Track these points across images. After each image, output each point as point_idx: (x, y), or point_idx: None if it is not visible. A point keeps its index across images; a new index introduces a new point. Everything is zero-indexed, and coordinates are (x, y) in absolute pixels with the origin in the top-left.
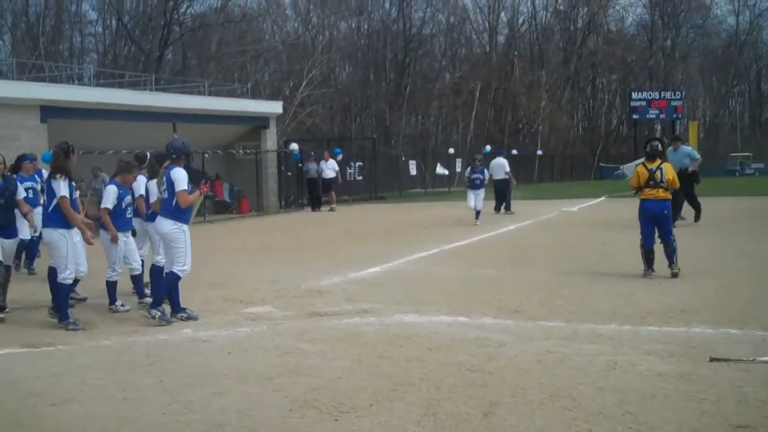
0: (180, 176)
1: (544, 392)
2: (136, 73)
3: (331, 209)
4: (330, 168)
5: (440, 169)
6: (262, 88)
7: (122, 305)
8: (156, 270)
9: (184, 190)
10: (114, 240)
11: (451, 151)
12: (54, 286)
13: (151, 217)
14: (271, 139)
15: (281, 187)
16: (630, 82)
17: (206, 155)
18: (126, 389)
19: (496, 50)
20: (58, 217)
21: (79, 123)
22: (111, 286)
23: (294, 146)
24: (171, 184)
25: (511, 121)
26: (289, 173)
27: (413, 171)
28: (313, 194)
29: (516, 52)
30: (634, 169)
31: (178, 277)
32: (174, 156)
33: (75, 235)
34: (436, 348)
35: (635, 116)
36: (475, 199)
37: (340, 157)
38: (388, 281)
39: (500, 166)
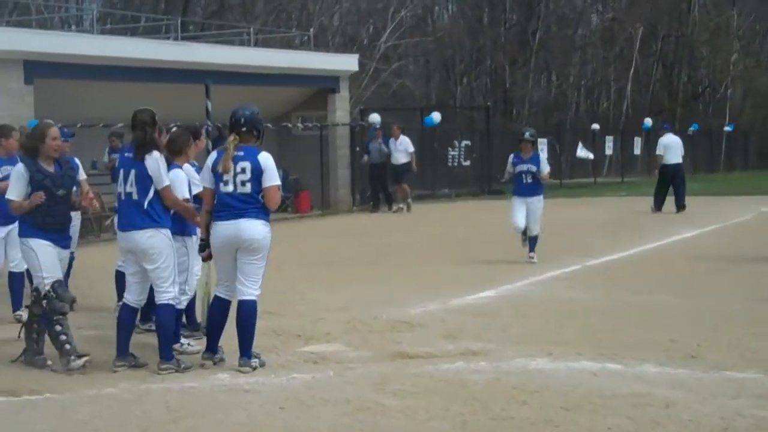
0: (272, 165)
1: None
2: (156, 16)
3: (401, 208)
4: (402, 149)
5: (582, 152)
6: (329, 36)
7: (189, 344)
8: (220, 303)
9: (278, 187)
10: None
11: (597, 126)
12: (163, 316)
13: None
14: (341, 108)
15: (355, 176)
16: None
17: None
18: None
19: None
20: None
21: (76, 85)
22: (173, 316)
23: (375, 118)
24: (258, 173)
25: (687, 83)
26: (366, 156)
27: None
28: (378, 187)
29: None
30: None
31: (256, 304)
32: (244, 129)
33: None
34: (576, 407)
35: None
36: (527, 211)
37: (437, 118)
38: (506, 310)
39: (677, 146)
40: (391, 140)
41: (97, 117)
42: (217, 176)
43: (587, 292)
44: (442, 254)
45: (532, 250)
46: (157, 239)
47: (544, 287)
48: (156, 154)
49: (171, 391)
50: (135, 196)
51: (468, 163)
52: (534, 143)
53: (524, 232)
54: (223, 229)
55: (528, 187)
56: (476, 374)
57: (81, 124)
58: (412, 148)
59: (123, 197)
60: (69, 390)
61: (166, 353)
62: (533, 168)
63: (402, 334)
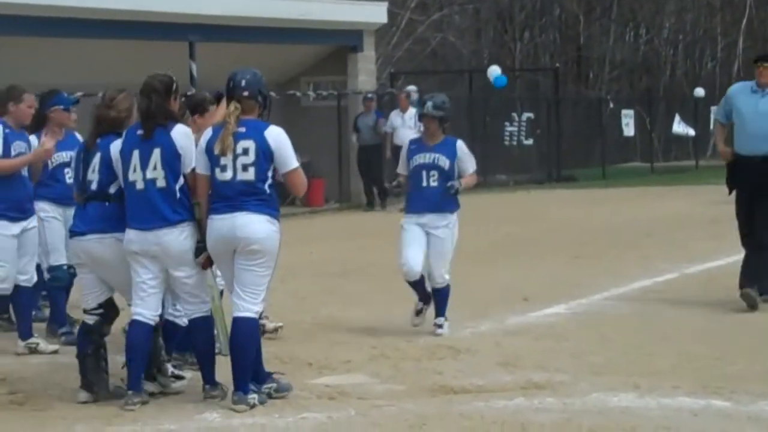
0: (286, 142)
1: None
2: None
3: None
4: (410, 126)
5: (680, 126)
6: None
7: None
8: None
9: (299, 169)
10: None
11: (701, 92)
12: (203, 334)
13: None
14: (365, 72)
15: (383, 160)
16: None
17: None
18: None
19: None
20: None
21: (26, 43)
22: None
23: (412, 89)
24: (266, 155)
25: None
26: (355, 135)
27: (629, 129)
28: (370, 177)
29: None
30: None
31: (258, 324)
32: (246, 94)
33: None
34: None
35: None
36: (428, 244)
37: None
38: (580, 332)
39: None
40: (395, 112)
41: (50, 84)
42: (213, 159)
43: (685, 308)
44: (496, 260)
45: (439, 314)
46: (191, 239)
47: (629, 302)
48: (183, 127)
49: None
50: (161, 183)
51: (530, 141)
52: (443, 120)
53: (418, 283)
54: (217, 225)
55: (430, 198)
56: (541, 413)
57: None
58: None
59: (139, 187)
60: None
61: (211, 377)
62: (443, 162)
63: (444, 361)
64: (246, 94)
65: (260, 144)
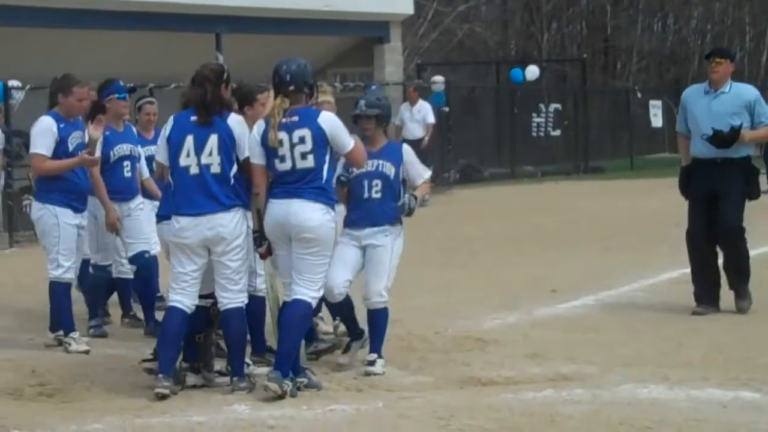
0: (338, 123)
1: None
2: None
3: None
4: (419, 119)
5: None
6: None
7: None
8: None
9: (357, 144)
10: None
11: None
12: (239, 323)
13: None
14: (392, 63)
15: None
16: None
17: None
18: None
19: None
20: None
21: (48, 34)
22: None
23: (438, 79)
24: (322, 141)
25: None
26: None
27: (657, 120)
28: None
29: None
30: None
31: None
32: (292, 88)
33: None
34: None
35: None
36: (367, 261)
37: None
38: (609, 323)
39: None
40: (404, 105)
41: (77, 76)
42: (269, 151)
43: None
44: (524, 251)
45: (374, 348)
46: (243, 224)
47: (659, 293)
48: (237, 116)
49: (173, 429)
50: (216, 168)
51: (558, 132)
52: (381, 120)
53: (340, 308)
54: (274, 209)
55: (373, 209)
56: (570, 405)
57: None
58: (431, 119)
59: (193, 172)
60: (42, 426)
61: (240, 369)
62: (388, 169)
63: (472, 353)
64: (292, 88)
65: (315, 131)
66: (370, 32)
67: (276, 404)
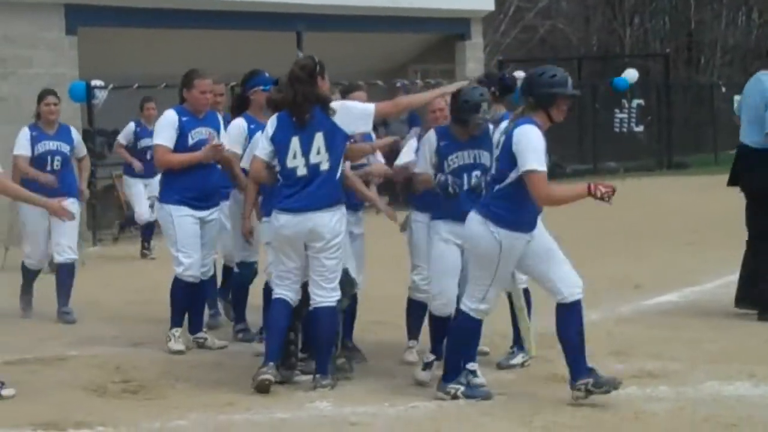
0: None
1: None
2: None
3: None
4: None
5: None
6: None
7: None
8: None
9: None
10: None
11: None
12: (330, 322)
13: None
14: (473, 60)
15: None
16: None
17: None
18: None
19: None
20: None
21: (131, 34)
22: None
23: (520, 75)
24: (508, 147)
25: None
26: None
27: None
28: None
29: None
30: None
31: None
32: (495, 92)
33: None
34: None
35: None
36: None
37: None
38: (694, 320)
39: None
40: None
41: (159, 75)
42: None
43: None
44: (605, 247)
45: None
46: (342, 223)
47: None
48: (337, 102)
49: (257, 425)
50: (325, 166)
51: (641, 128)
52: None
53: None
54: None
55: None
56: (654, 403)
57: (138, 85)
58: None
59: (301, 173)
60: (125, 423)
61: (324, 367)
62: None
63: (555, 350)
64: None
65: (508, 136)
66: (452, 29)
67: (358, 401)
